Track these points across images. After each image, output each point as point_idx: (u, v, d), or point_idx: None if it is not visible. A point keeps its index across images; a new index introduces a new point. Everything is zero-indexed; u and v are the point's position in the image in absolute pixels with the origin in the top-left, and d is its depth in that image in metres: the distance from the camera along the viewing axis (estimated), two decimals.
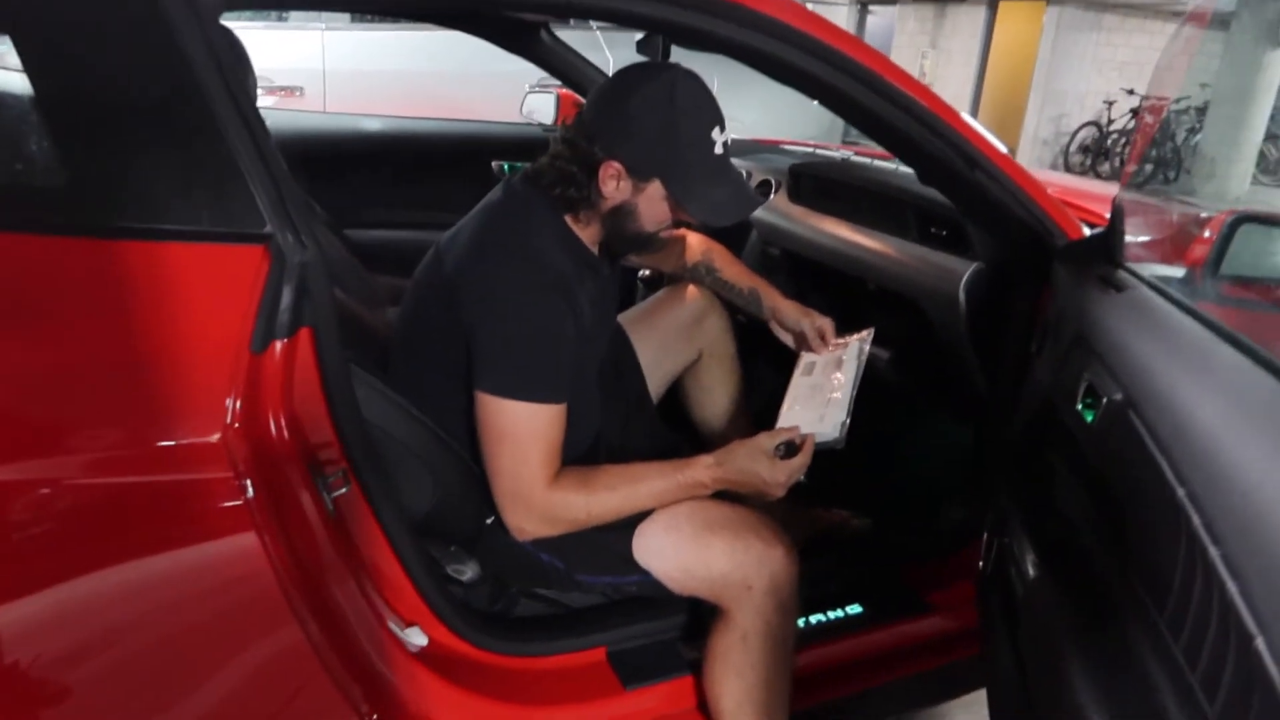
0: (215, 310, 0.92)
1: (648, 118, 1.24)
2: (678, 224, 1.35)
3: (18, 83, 0.89)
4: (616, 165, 1.25)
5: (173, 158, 0.92)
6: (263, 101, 2.16)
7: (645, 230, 1.32)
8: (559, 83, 2.37)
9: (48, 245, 0.87)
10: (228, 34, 1.53)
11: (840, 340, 1.59)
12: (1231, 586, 0.58)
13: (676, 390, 1.82)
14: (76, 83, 0.90)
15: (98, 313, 0.89)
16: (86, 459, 0.86)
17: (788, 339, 1.67)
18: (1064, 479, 1.11)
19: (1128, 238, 1.22)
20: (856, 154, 2.33)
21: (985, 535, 1.40)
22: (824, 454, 1.35)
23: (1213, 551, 0.61)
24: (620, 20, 1.28)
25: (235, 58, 1.54)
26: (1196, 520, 0.64)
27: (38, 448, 0.85)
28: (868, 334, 1.57)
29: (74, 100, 0.90)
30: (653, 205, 1.29)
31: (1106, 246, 1.22)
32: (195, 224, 0.91)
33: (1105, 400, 0.93)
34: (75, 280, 0.88)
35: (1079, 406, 1.02)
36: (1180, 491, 0.68)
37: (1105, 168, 11.34)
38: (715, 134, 1.27)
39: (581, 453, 1.44)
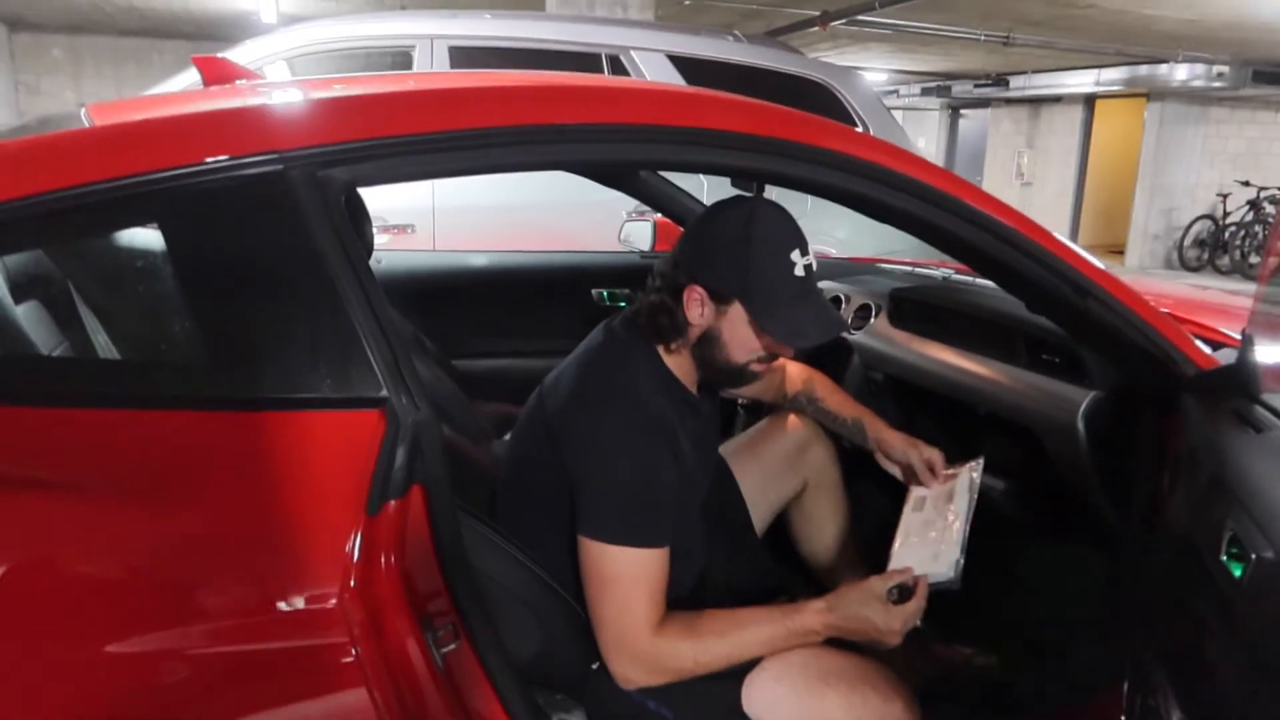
0: (335, 474, 0.96)
1: (725, 241, 1.29)
2: (773, 356, 1.34)
3: (164, 266, 0.97)
4: (699, 290, 1.29)
5: (301, 331, 0.98)
6: (378, 240, 2.30)
7: (734, 360, 1.32)
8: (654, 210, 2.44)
9: (185, 419, 0.93)
10: (352, 194, 1.66)
11: (950, 471, 1.54)
12: None
13: (782, 522, 1.78)
14: (215, 265, 0.98)
15: (228, 483, 0.94)
16: (216, 627, 0.90)
17: (895, 470, 1.63)
18: (1215, 635, 1.01)
19: (1263, 359, 1.15)
20: (957, 272, 2.30)
21: (1127, 686, 1.29)
22: (941, 594, 1.29)
23: None
24: (715, 171, 1.33)
25: (355, 211, 1.66)
26: None
27: (172, 618, 0.89)
28: (978, 463, 1.52)
29: (211, 281, 0.98)
30: (736, 330, 1.29)
31: (1240, 378, 1.15)
32: (319, 392, 0.97)
33: (1254, 556, 0.86)
34: (208, 452, 0.93)
35: (1224, 558, 0.95)
36: None
37: (1224, 261, 10.89)
38: (796, 256, 1.28)
39: (687, 590, 1.42)
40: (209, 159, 0.97)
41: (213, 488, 0.93)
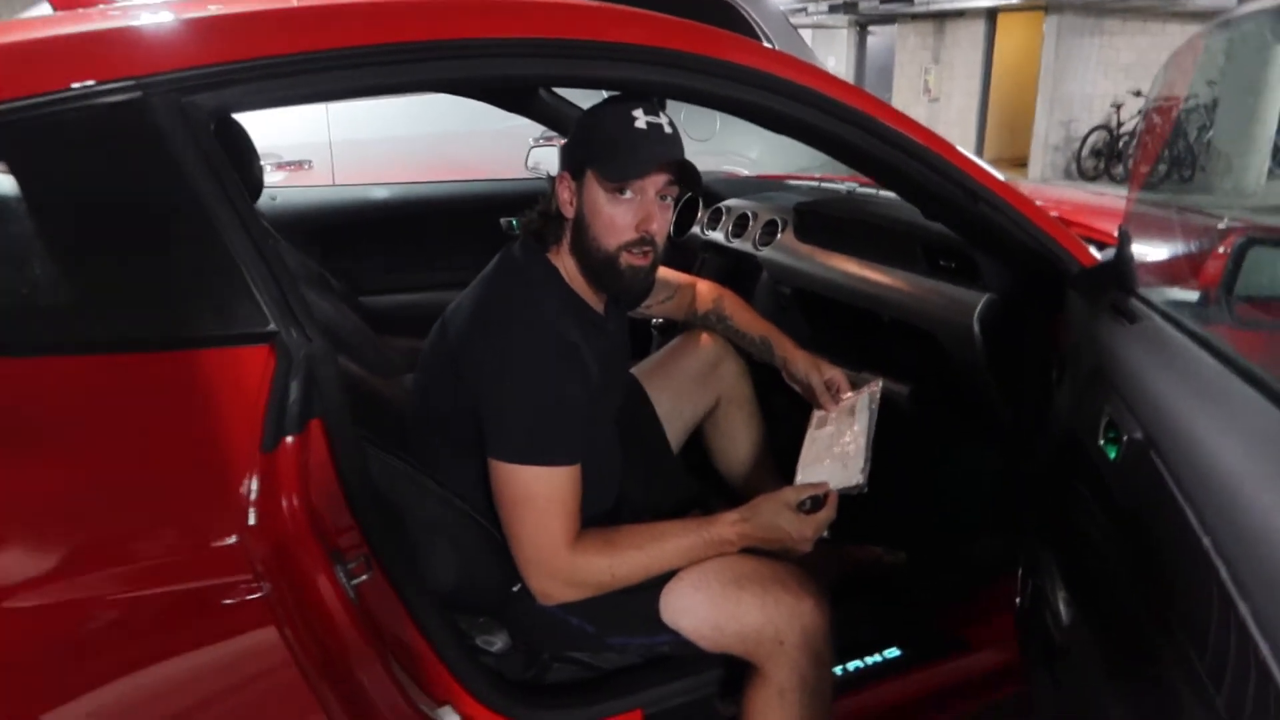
0: (224, 412, 0.93)
1: (582, 120, 1.32)
2: (643, 240, 1.28)
3: (15, 206, 0.91)
4: (565, 173, 1.30)
5: (175, 267, 0.94)
6: (272, 178, 2.21)
7: (604, 246, 1.28)
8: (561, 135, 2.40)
9: (54, 365, 0.89)
10: (231, 125, 1.57)
11: (849, 396, 1.59)
12: (1264, 646, 0.56)
13: (698, 438, 1.81)
14: (73, 201, 0.92)
15: (110, 428, 0.90)
16: (111, 574, 0.87)
17: (799, 390, 1.67)
18: (1093, 516, 1.08)
19: (1139, 255, 1.20)
20: (861, 185, 2.33)
21: (1020, 570, 1.38)
22: (850, 497, 1.34)
23: (1242, 607, 0.59)
24: (612, 86, 1.30)
25: (238, 146, 1.58)
26: (1224, 572, 0.63)
27: (65, 569, 0.86)
28: (876, 386, 1.57)
29: (72, 219, 0.92)
30: (595, 202, 1.27)
31: (1117, 274, 1.21)
32: (199, 330, 0.93)
33: (1126, 438, 0.91)
34: (85, 398, 0.89)
35: (1101, 442, 1.01)
36: (1206, 541, 0.66)
37: (1119, 170, 11.29)
38: (638, 112, 1.26)
39: (605, 510, 1.44)
40: (60, 88, 0.90)
41: (93, 434, 0.89)
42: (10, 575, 0.85)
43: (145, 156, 0.92)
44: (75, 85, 0.90)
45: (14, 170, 0.91)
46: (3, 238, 0.93)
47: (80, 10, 1.20)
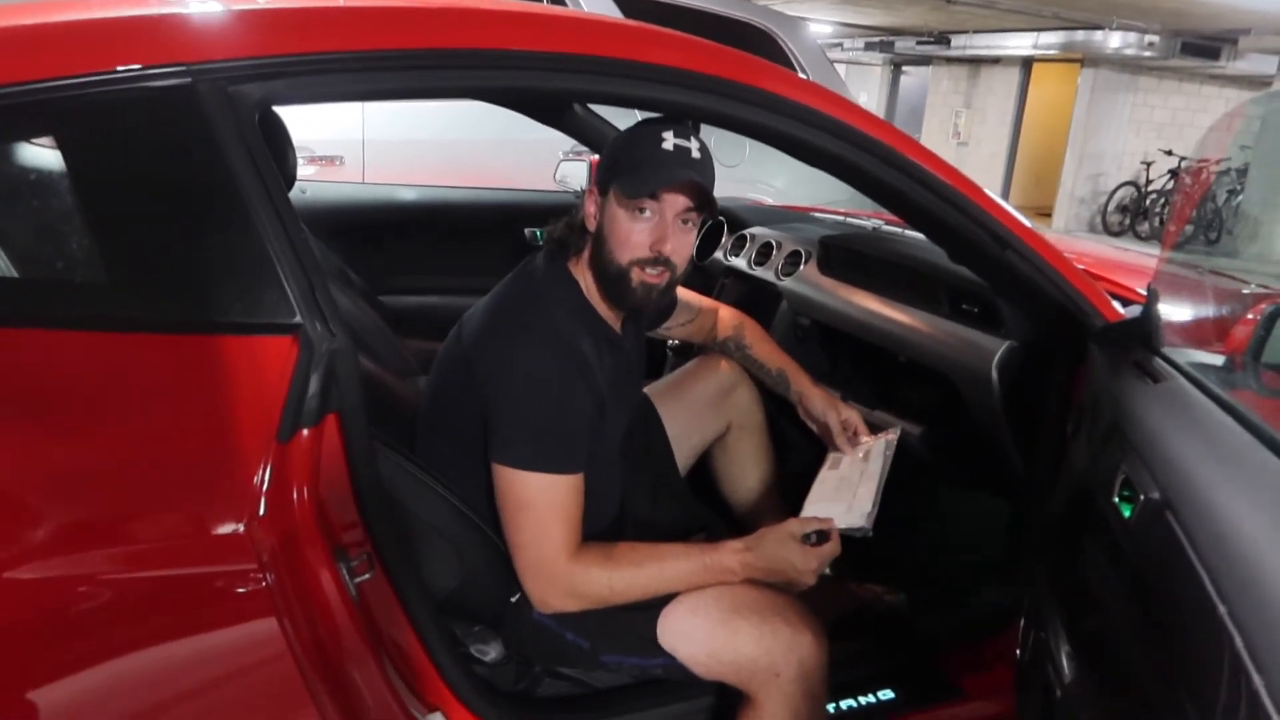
0: (245, 399, 0.93)
1: (615, 139, 1.34)
2: (657, 259, 1.27)
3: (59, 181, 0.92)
4: (593, 188, 1.32)
5: (209, 252, 0.94)
6: (304, 171, 2.22)
7: (618, 259, 1.28)
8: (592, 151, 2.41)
9: (83, 340, 0.89)
10: (269, 116, 1.59)
11: (867, 439, 1.59)
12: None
13: (705, 463, 1.81)
14: (114, 181, 0.93)
15: (132, 406, 0.91)
16: (119, 552, 0.87)
17: (814, 427, 1.66)
18: (1103, 572, 1.07)
19: (1165, 315, 1.20)
20: (887, 223, 2.33)
21: (1023, 621, 1.36)
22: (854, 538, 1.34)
23: (1257, 680, 0.58)
24: (647, 106, 1.31)
25: (276, 137, 1.60)
26: (1239, 643, 0.62)
27: (74, 544, 0.86)
28: (894, 434, 1.57)
29: (112, 198, 0.93)
30: (614, 216, 1.27)
31: (1143, 332, 1.20)
32: (226, 315, 0.93)
33: (1143, 498, 0.90)
34: (110, 375, 0.90)
35: (1116, 499, 1.00)
36: (1222, 609, 0.65)
37: (1144, 227, 11.27)
38: (668, 134, 1.26)
39: (606, 525, 1.43)
40: (110, 69, 0.91)
41: (115, 411, 0.90)
42: (20, 546, 0.85)
43: (189, 142, 0.94)
44: (126, 67, 0.91)
45: (60, 146, 0.92)
46: (43, 211, 0.94)
47: None
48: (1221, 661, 0.65)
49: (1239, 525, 0.72)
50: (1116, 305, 1.42)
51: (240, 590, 0.92)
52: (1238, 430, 0.84)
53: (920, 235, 2.05)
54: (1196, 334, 1.25)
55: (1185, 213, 1.61)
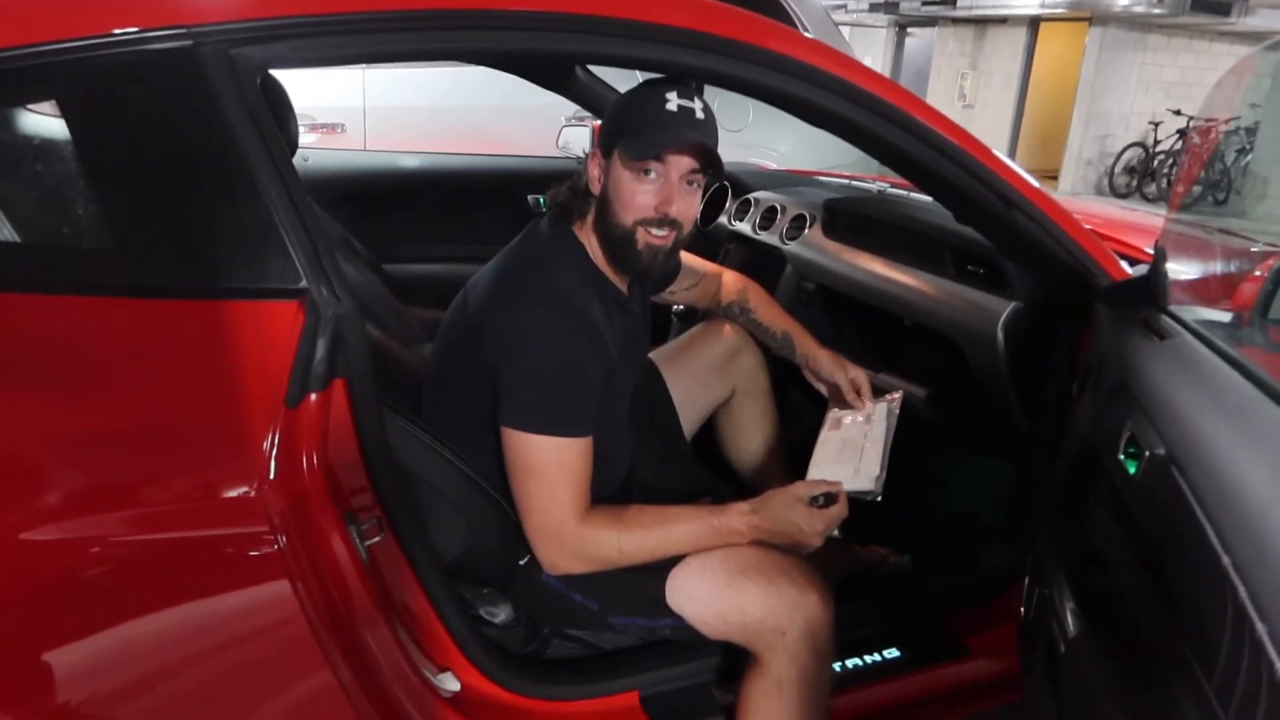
0: (253, 366, 0.94)
1: (618, 100, 1.33)
2: (662, 220, 1.27)
3: (62, 146, 0.92)
4: (596, 150, 1.31)
5: (213, 217, 0.94)
6: (305, 139, 2.21)
7: (623, 221, 1.28)
8: (594, 116, 2.39)
9: (93, 305, 0.89)
10: (271, 82, 1.58)
11: (869, 402, 1.59)
12: None
13: (710, 427, 1.81)
14: (117, 145, 0.93)
15: (140, 372, 0.91)
16: (131, 515, 0.88)
17: (821, 388, 1.66)
18: (1107, 529, 1.08)
19: (1172, 274, 1.19)
20: (892, 186, 2.31)
21: (1027, 580, 1.37)
22: (860, 500, 1.35)
23: (1260, 628, 0.58)
24: (650, 67, 1.29)
25: (278, 103, 1.59)
26: (1243, 593, 0.62)
27: (87, 507, 0.87)
28: (897, 397, 1.57)
29: (115, 162, 0.93)
30: (619, 177, 1.27)
31: (1149, 290, 1.20)
32: (232, 281, 0.94)
33: (1148, 454, 0.91)
34: (118, 340, 0.90)
35: (1121, 456, 1.00)
36: (1225, 560, 0.66)
37: (1151, 189, 11.15)
38: (671, 95, 1.25)
39: (614, 489, 1.44)
40: (109, 31, 0.91)
41: (123, 376, 0.90)
42: (35, 509, 0.86)
43: (191, 105, 0.93)
44: (125, 30, 0.91)
45: (62, 111, 0.92)
46: (47, 177, 0.94)
47: None
48: (1225, 612, 0.66)
49: (1244, 478, 0.72)
50: (1124, 265, 1.41)
51: (253, 553, 0.93)
52: (1244, 385, 0.84)
53: (925, 197, 2.04)
54: (1204, 291, 1.25)
55: (1193, 173, 1.59)
